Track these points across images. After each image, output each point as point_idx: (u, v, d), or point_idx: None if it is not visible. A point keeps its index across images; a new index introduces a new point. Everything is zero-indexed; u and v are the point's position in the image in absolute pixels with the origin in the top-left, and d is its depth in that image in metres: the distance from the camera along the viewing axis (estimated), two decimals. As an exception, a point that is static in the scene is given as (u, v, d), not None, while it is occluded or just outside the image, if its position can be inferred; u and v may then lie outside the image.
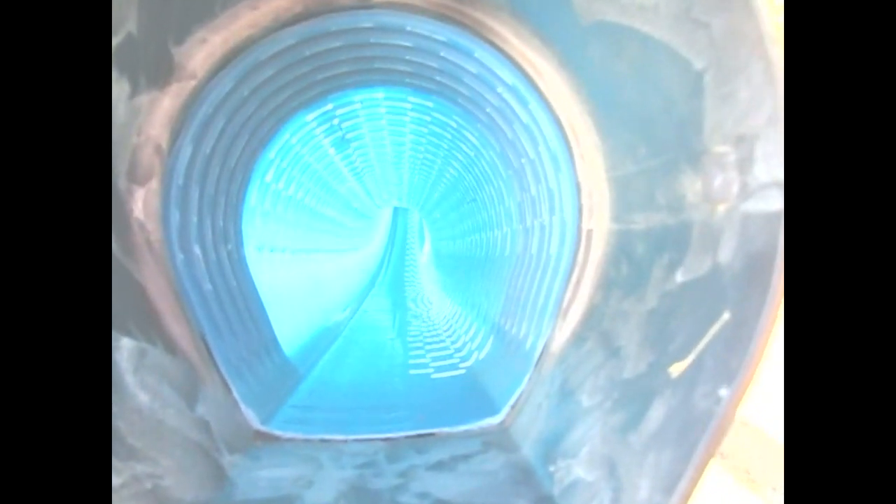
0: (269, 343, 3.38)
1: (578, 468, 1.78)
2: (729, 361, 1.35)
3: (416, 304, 8.90)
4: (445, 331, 5.60)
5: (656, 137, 1.93)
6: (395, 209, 14.30)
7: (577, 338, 2.36)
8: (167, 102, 2.28)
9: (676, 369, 1.56)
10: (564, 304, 2.54)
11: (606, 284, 2.32)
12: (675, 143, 1.81)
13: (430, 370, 3.98)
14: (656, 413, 1.55)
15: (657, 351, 1.71)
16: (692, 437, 1.34)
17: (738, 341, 1.35)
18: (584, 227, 2.54)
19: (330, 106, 3.86)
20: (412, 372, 3.99)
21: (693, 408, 1.39)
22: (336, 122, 4.29)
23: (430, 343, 5.12)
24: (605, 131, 2.31)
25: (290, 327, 3.94)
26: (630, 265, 2.16)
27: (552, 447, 2.03)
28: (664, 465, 1.40)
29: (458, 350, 4.45)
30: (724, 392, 1.32)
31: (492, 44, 2.53)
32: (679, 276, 1.75)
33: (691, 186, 1.73)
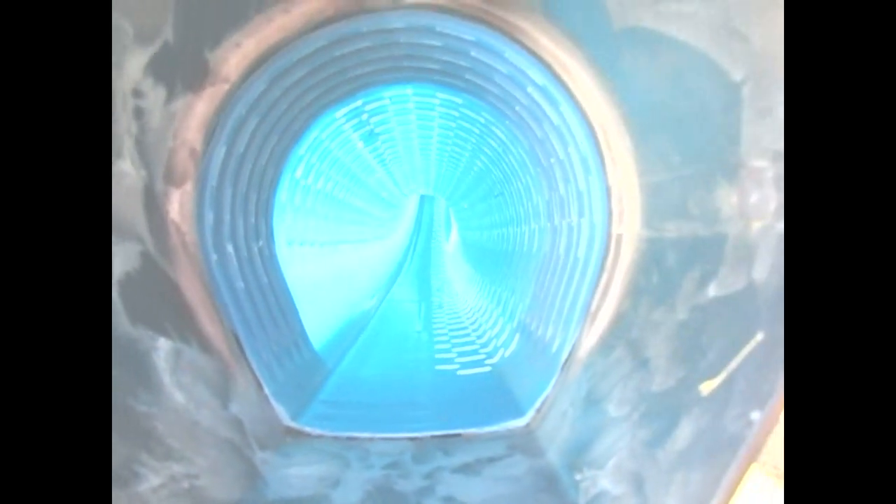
0: (299, 338, 3.44)
1: (604, 480, 1.78)
2: (761, 385, 1.33)
3: (442, 293, 8.94)
4: (471, 324, 5.62)
5: (691, 146, 1.89)
6: (422, 197, 14.32)
7: (605, 345, 2.35)
8: (201, 107, 2.32)
9: (707, 388, 1.54)
10: (592, 308, 2.52)
11: (635, 292, 2.30)
12: (711, 153, 1.77)
13: (456, 366, 4.00)
14: (685, 431, 1.54)
15: (687, 366, 1.70)
16: (722, 460, 1.33)
17: (771, 364, 1.33)
18: (614, 231, 2.51)
19: (359, 102, 3.87)
20: (438, 367, 4.03)
21: (723, 430, 1.38)
22: (365, 117, 4.31)
23: (455, 337, 5.15)
24: (637, 136, 2.27)
25: (318, 320, 4.01)
26: (660, 274, 2.13)
27: (578, 455, 2.04)
28: (693, 486, 1.39)
29: (484, 346, 4.46)
30: (755, 416, 1.30)
31: (522, 45, 2.49)
32: (711, 290, 1.72)
33: (726, 199, 1.69)
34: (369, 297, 7.33)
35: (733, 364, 1.48)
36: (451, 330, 5.53)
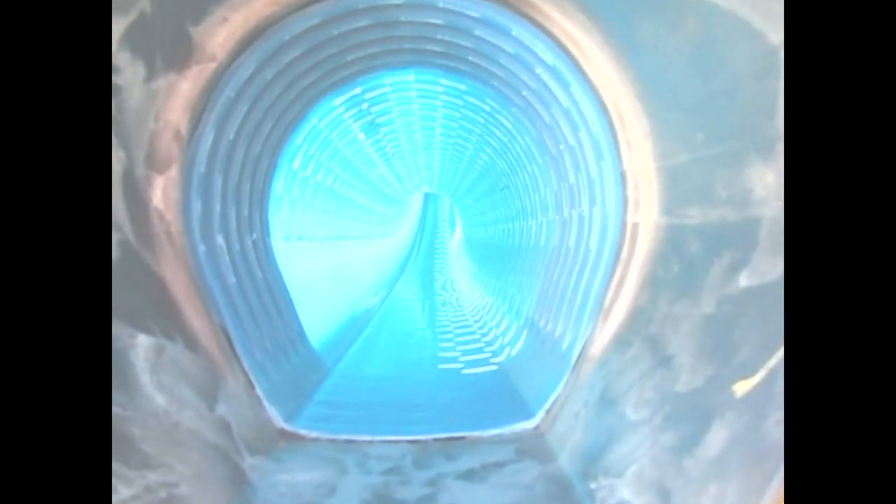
0: (296, 336, 3.29)
1: (624, 490, 1.61)
2: (809, 385, 1.16)
3: (446, 290, 8.78)
4: (476, 321, 5.46)
5: (717, 122, 1.72)
6: (426, 195, 14.16)
7: (620, 341, 2.18)
8: (186, 86, 2.17)
9: (741, 388, 1.37)
10: (606, 303, 2.36)
11: (653, 284, 2.13)
12: (741, 129, 1.60)
13: (460, 365, 3.84)
14: (717, 437, 1.37)
15: (716, 363, 1.53)
16: (764, 470, 1.16)
17: (819, 361, 1.16)
18: (629, 220, 2.35)
19: (359, 89, 3.71)
20: (441, 366, 3.87)
21: (764, 436, 1.21)
22: (365, 105, 4.15)
23: (460, 334, 4.99)
24: (655, 116, 2.10)
25: (317, 318, 3.86)
26: (682, 264, 1.96)
27: (593, 462, 1.87)
28: (730, 499, 1.23)
29: (489, 343, 4.30)
30: (802, 421, 1.14)
31: (531, 20, 2.33)
32: (743, 280, 1.55)
33: (760, 179, 1.52)
34: (372, 294, 7.17)
35: (772, 361, 1.31)
36: (455, 328, 5.37)
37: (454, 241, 12.96)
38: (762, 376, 1.32)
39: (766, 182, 1.49)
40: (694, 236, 1.89)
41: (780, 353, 1.30)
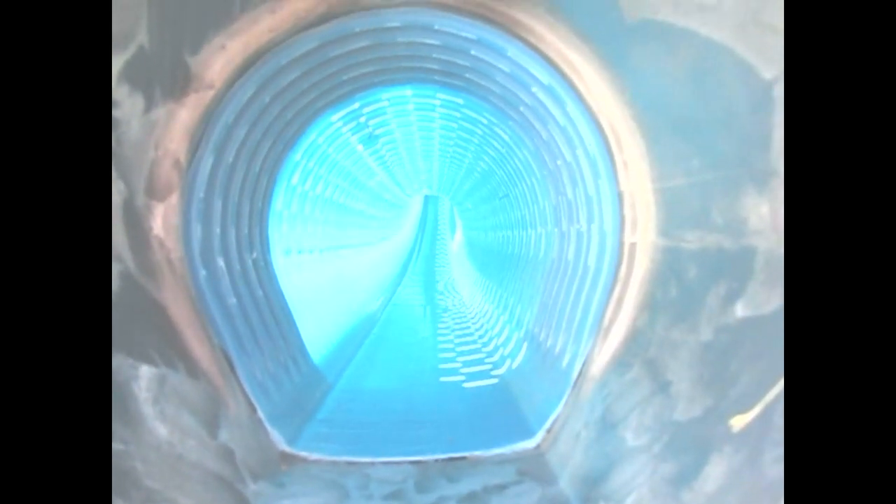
0: (297, 353, 3.30)
1: (624, 519, 1.63)
2: (805, 424, 1.17)
3: (447, 295, 8.79)
4: (477, 329, 5.47)
5: (713, 150, 1.73)
6: (426, 197, 14.17)
7: (620, 362, 2.19)
8: (185, 114, 2.18)
9: (738, 422, 1.39)
10: (605, 322, 2.37)
11: (652, 306, 2.14)
12: (737, 158, 1.61)
13: (462, 377, 3.85)
14: (715, 470, 1.38)
15: (714, 394, 1.54)
16: (761, 510, 1.17)
17: (815, 400, 1.17)
18: (627, 239, 2.36)
19: (356, 105, 3.72)
20: (443, 379, 3.88)
21: (761, 474, 1.22)
22: (363, 119, 4.16)
23: (461, 343, 5.00)
24: (651, 138, 2.11)
25: (319, 331, 3.87)
26: (680, 288, 1.97)
27: (593, 486, 1.88)
28: (726, 537, 1.24)
29: (490, 355, 4.31)
30: (799, 461, 1.15)
31: (526, 42, 2.34)
32: (739, 310, 1.56)
33: (755, 209, 1.53)
34: (374, 299, 7.19)
35: (770, 396, 1.32)
36: (456, 336, 5.38)
37: (455, 244, 12.96)
38: (759, 411, 1.33)
39: (761, 213, 1.50)
40: (691, 261, 1.90)
41: (778, 388, 1.31)
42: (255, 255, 3.09)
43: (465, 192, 8.24)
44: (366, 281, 7.44)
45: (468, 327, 5.71)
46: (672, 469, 1.53)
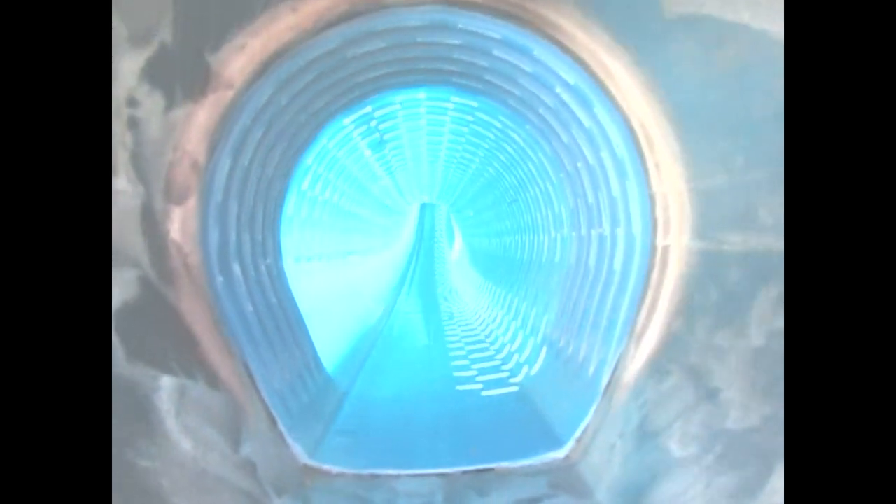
0: (311, 361, 3.21)
1: (677, 534, 1.55)
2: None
3: (450, 302, 8.71)
4: (487, 336, 5.39)
5: (761, 147, 1.67)
6: (423, 205, 14.10)
7: (656, 369, 2.12)
8: (203, 115, 2.10)
9: (806, 431, 1.31)
10: (637, 327, 2.29)
11: (689, 310, 2.07)
12: (789, 155, 1.55)
13: (479, 385, 3.77)
14: (781, 483, 1.31)
15: (774, 402, 1.47)
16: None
17: None
18: (659, 243, 2.29)
19: (369, 108, 3.66)
20: (459, 388, 3.79)
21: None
22: (374, 123, 4.09)
23: (472, 351, 4.92)
24: (687, 137, 2.05)
25: (329, 339, 3.78)
26: (721, 292, 1.90)
27: (636, 500, 1.81)
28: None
29: (505, 361, 4.23)
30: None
31: (554, 41, 2.28)
32: (796, 314, 1.50)
33: (812, 209, 1.47)
34: (378, 306, 7.10)
35: (840, 404, 1.25)
36: (466, 343, 5.30)
37: (455, 252, 12.90)
38: (830, 420, 1.26)
39: (820, 212, 1.44)
40: (734, 263, 1.83)
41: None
42: (268, 261, 3.01)
43: (466, 199, 8.18)
44: (369, 288, 7.35)
45: (477, 334, 5.63)
46: (731, 482, 1.45)
